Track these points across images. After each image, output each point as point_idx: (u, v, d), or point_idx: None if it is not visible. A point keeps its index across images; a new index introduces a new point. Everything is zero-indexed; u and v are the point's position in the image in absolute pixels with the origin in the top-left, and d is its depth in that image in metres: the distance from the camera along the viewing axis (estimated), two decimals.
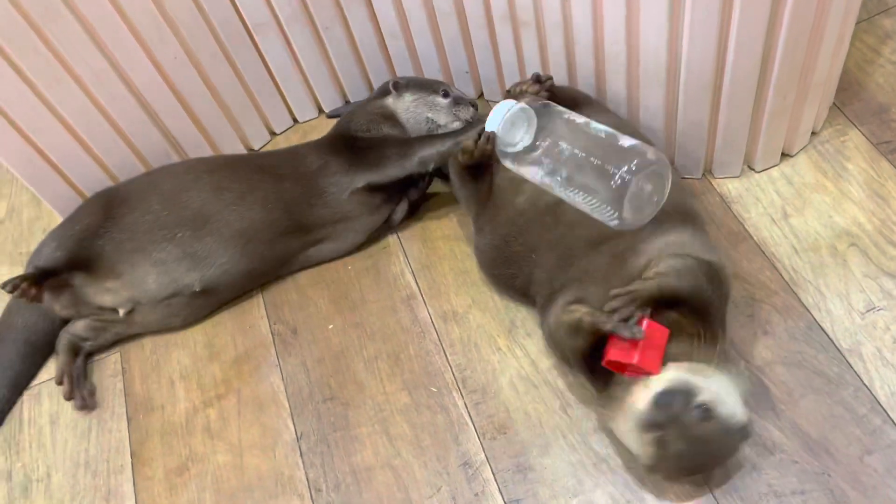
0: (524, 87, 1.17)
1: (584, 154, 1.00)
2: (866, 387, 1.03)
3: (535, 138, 1.05)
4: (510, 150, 1.07)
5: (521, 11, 1.21)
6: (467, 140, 1.12)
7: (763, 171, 1.26)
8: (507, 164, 1.09)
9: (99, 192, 1.28)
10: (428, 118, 1.31)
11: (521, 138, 1.06)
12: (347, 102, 1.53)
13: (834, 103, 1.29)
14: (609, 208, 0.97)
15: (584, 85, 1.24)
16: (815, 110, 1.21)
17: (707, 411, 0.90)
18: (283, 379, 1.21)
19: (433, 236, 1.33)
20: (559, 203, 1.06)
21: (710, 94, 1.13)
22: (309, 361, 1.22)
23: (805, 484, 0.97)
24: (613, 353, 0.93)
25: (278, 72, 1.43)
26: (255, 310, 1.30)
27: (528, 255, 1.10)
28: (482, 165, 1.16)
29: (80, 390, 1.23)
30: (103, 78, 1.23)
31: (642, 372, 0.93)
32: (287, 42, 1.39)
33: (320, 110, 1.54)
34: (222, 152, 1.45)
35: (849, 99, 1.30)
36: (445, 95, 1.31)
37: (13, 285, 1.14)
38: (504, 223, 1.13)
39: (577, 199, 1.01)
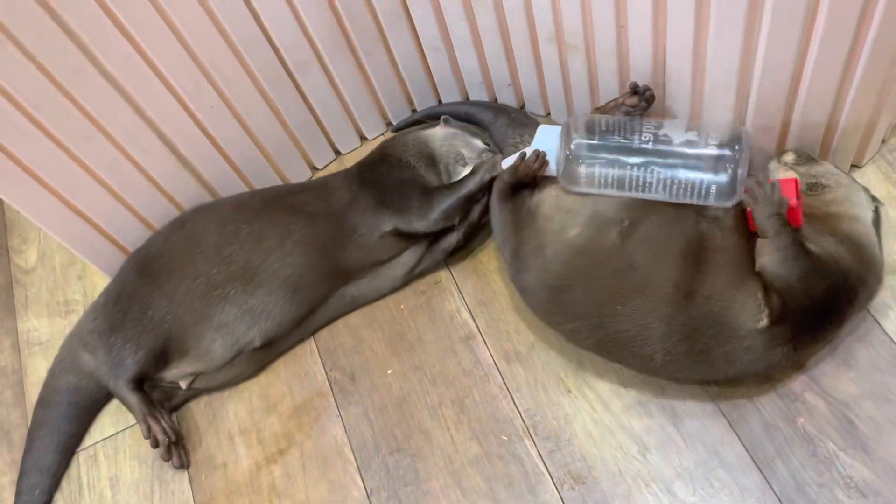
0: (622, 101, 1.12)
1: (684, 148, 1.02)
2: None
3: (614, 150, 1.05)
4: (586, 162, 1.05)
5: (570, 36, 1.14)
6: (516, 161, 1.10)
7: None
8: (575, 183, 1.06)
9: (137, 259, 1.23)
10: (460, 153, 1.28)
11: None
12: (414, 111, 1.47)
13: None
14: (725, 193, 1.01)
15: None
16: (889, 122, 1.15)
17: None
18: (345, 430, 1.18)
19: (486, 269, 1.28)
20: (626, 238, 1.02)
21: (780, 117, 1.07)
22: (371, 410, 1.19)
23: None
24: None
25: (320, 107, 1.37)
26: (309, 356, 1.27)
27: (602, 307, 1.02)
28: (524, 187, 1.12)
29: (178, 448, 1.18)
30: (134, 132, 1.17)
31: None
32: (328, 75, 1.32)
33: (362, 138, 1.48)
34: (256, 188, 1.39)
35: None
36: (486, 144, 1.29)
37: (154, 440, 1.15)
38: (554, 260, 1.06)
39: (679, 195, 1.03)
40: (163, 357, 1.16)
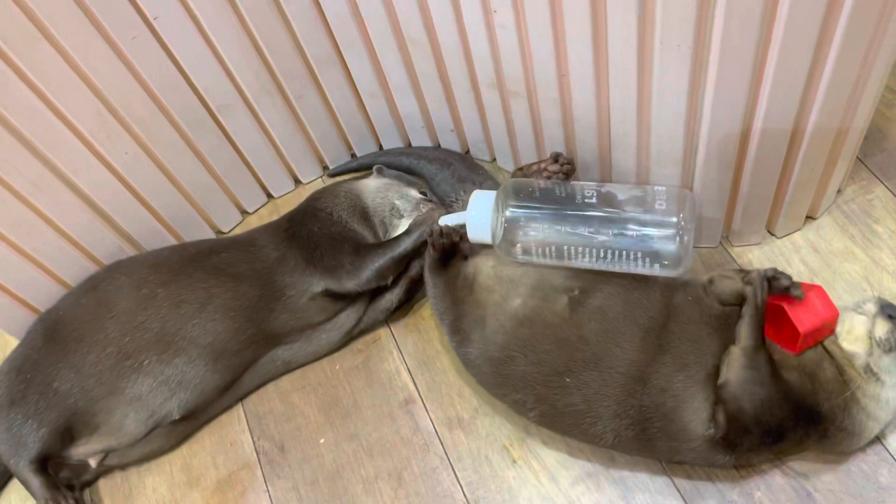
0: (544, 166, 1.06)
1: (623, 217, 0.95)
2: None
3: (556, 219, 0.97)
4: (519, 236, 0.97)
5: (511, 83, 1.08)
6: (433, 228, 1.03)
7: (785, 236, 1.15)
8: (511, 253, 0.98)
9: (45, 324, 1.11)
10: (394, 205, 1.20)
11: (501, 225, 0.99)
12: (353, 156, 1.40)
13: (857, 156, 1.18)
14: (673, 263, 0.93)
15: (586, 159, 1.11)
16: (844, 173, 1.10)
17: None
18: None
19: (428, 325, 1.20)
20: (576, 308, 0.95)
21: (732, 170, 1.01)
22: (301, 485, 1.10)
23: None
24: (804, 322, 0.88)
25: (248, 150, 1.28)
26: (236, 423, 1.17)
27: (549, 379, 0.95)
28: (452, 254, 1.05)
29: None
30: (42, 185, 1.08)
31: (829, 322, 0.89)
32: (256, 118, 1.24)
33: (297, 182, 1.39)
34: (185, 240, 1.29)
35: (871, 150, 1.19)
36: (423, 194, 1.21)
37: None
38: (497, 332, 0.98)
39: (623, 264, 0.95)
40: (69, 434, 1.05)
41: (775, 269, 0.91)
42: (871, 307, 0.89)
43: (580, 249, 0.95)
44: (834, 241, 1.13)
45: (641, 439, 0.94)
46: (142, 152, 1.15)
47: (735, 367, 0.88)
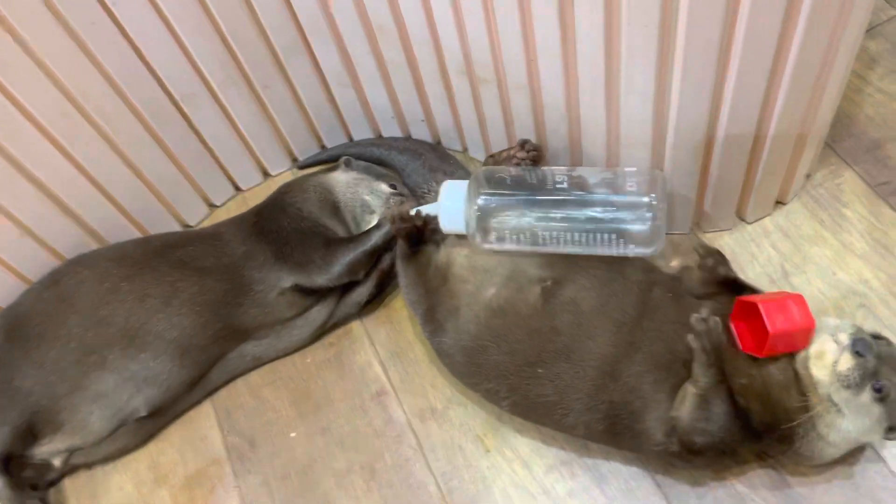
0: (513, 153, 1.05)
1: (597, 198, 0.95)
2: (893, 475, 0.94)
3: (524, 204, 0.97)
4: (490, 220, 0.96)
5: (480, 69, 1.07)
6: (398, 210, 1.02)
7: (755, 221, 1.15)
8: (486, 241, 0.97)
9: (5, 320, 1.08)
10: (364, 201, 1.19)
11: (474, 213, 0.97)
12: (323, 148, 1.37)
13: (825, 141, 1.19)
14: (646, 243, 0.93)
15: (557, 146, 1.11)
16: (813, 158, 1.11)
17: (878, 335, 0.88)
18: (243, 503, 1.07)
19: (401, 317, 1.18)
20: (549, 299, 0.94)
21: (701, 154, 1.01)
22: (272, 479, 1.08)
23: None
24: (776, 324, 0.84)
25: (214, 141, 1.25)
26: (204, 419, 1.15)
27: (521, 369, 0.94)
28: (420, 241, 1.04)
29: None
30: (3, 179, 1.04)
31: (802, 331, 0.86)
32: (222, 109, 1.21)
33: (265, 174, 1.37)
34: (150, 233, 1.27)
35: (840, 135, 1.20)
36: (392, 187, 1.19)
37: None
38: (470, 321, 0.97)
39: (597, 246, 0.94)
40: (31, 433, 1.02)
41: (716, 258, 0.94)
42: (844, 338, 0.85)
43: (554, 234, 0.94)
44: (804, 225, 1.14)
45: (611, 433, 0.93)
46: (104, 143, 1.12)
47: (687, 406, 0.87)
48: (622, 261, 0.96)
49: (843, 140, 1.20)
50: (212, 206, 1.35)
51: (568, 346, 0.92)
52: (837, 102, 1.07)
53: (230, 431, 1.13)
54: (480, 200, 0.96)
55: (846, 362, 0.83)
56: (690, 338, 0.86)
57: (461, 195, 0.98)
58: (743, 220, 1.16)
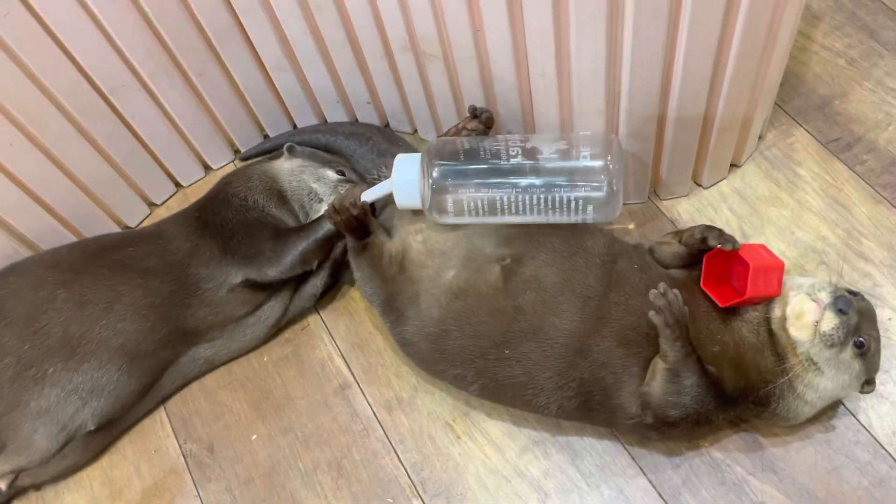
0: (462, 125, 1.02)
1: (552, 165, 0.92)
2: (865, 428, 0.94)
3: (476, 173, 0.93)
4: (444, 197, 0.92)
5: (425, 44, 1.03)
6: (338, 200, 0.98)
7: (712, 186, 1.14)
8: (444, 214, 0.94)
9: None
10: (311, 189, 1.14)
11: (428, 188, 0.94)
12: (266, 137, 1.31)
13: (775, 102, 1.18)
14: (604, 207, 0.91)
15: (508, 117, 1.07)
16: (764, 117, 1.10)
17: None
18: None
19: (359, 307, 1.14)
20: (510, 278, 0.91)
21: (655, 118, 0.99)
22: (234, 485, 1.03)
23: None
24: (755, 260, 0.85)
25: (149, 136, 1.19)
26: (159, 428, 1.09)
27: (487, 351, 0.91)
28: (365, 231, 1.00)
29: None
30: None
31: (777, 270, 0.87)
32: (154, 100, 1.15)
33: (206, 168, 1.31)
34: (86, 236, 1.19)
35: (788, 95, 1.20)
36: (340, 173, 1.15)
37: None
38: (432, 306, 0.94)
39: (555, 213, 0.92)
40: None
41: (705, 227, 0.89)
42: (825, 297, 0.85)
43: (512, 203, 0.91)
44: (759, 187, 1.13)
45: (584, 410, 0.91)
46: (28, 143, 1.05)
47: (657, 381, 0.86)
48: (582, 234, 0.94)
49: (791, 99, 1.20)
50: (151, 204, 1.28)
51: (534, 324, 0.90)
52: (786, 61, 1.06)
53: (187, 439, 1.07)
54: (435, 173, 0.92)
55: (830, 321, 0.83)
56: (652, 314, 0.84)
57: (414, 169, 0.94)
58: (699, 185, 1.15)
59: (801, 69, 1.22)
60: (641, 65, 0.90)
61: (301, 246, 1.05)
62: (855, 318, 0.83)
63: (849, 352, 0.83)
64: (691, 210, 1.13)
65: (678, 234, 0.94)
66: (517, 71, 0.99)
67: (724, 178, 1.14)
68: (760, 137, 1.16)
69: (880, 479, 0.90)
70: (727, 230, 1.08)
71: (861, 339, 0.83)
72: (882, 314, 1.00)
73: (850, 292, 0.87)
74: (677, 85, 0.93)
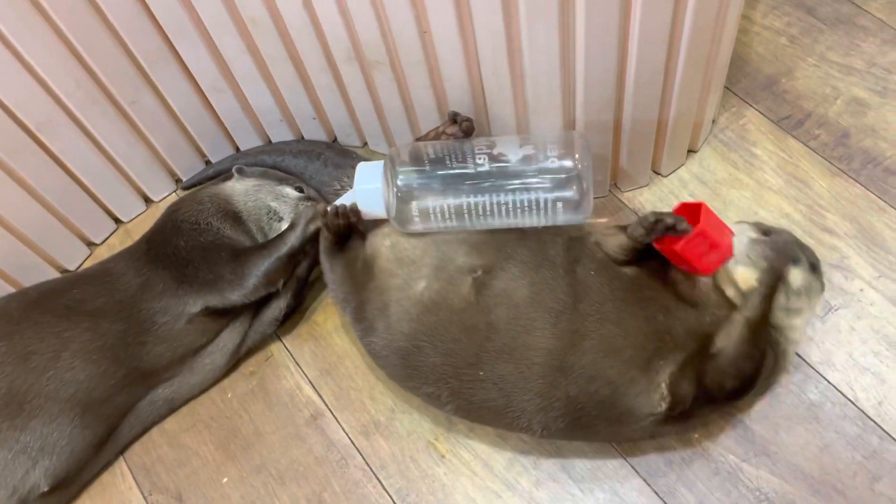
0: (442, 129, 0.97)
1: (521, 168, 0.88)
2: (851, 402, 0.93)
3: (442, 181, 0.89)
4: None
5: (370, 51, 0.99)
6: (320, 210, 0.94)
7: (671, 173, 1.13)
8: (409, 222, 0.90)
9: None
10: (270, 208, 1.08)
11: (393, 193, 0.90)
12: (208, 163, 1.25)
13: (724, 85, 1.18)
14: (575, 207, 0.88)
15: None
16: (716, 101, 1.09)
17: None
18: None
19: (324, 330, 1.09)
20: (482, 291, 0.86)
21: (613, 109, 0.97)
22: None
23: None
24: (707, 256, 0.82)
25: (82, 171, 1.12)
26: (120, 481, 1.01)
27: (461, 372, 0.86)
28: (350, 236, 0.96)
29: None
30: None
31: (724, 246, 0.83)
32: (86, 134, 1.08)
33: (147, 200, 1.24)
34: (25, 286, 1.11)
35: (735, 77, 1.20)
36: (299, 190, 1.10)
37: None
38: (402, 319, 0.89)
39: (525, 217, 0.89)
40: None
41: (654, 213, 0.84)
42: (752, 271, 0.85)
43: (481, 208, 0.88)
44: (718, 170, 1.13)
45: (576, 427, 0.87)
46: None
47: (735, 340, 0.82)
48: (545, 243, 0.90)
49: (739, 81, 1.20)
50: (91, 244, 1.21)
51: (507, 343, 0.85)
52: (733, 42, 1.06)
53: (152, 490, 1.00)
54: (399, 181, 0.88)
55: (796, 278, 0.85)
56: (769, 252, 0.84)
57: (378, 176, 0.90)
58: (658, 173, 1.13)
59: (744, 51, 1.23)
60: (596, 54, 0.88)
61: (264, 266, 0.99)
62: (773, 261, 0.85)
63: (797, 278, 0.85)
64: (653, 199, 1.12)
65: (620, 226, 0.90)
66: (468, 72, 0.96)
67: (682, 165, 1.14)
68: (714, 121, 1.16)
69: (872, 452, 0.89)
70: None
71: (793, 260, 0.85)
72: (852, 285, 1.00)
73: (765, 231, 0.88)
74: (632, 72, 0.92)
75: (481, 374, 0.85)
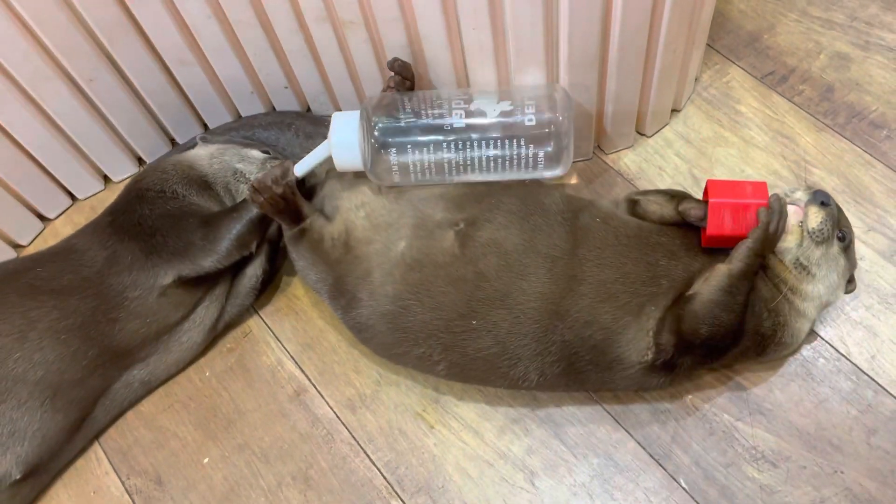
0: (389, 83, 0.94)
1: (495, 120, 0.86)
2: (844, 357, 0.92)
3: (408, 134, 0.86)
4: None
5: (342, 10, 0.95)
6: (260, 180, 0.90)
7: (655, 133, 1.11)
8: (387, 175, 0.87)
9: None
10: (236, 169, 1.05)
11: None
12: (174, 143, 1.20)
13: (706, 42, 1.16)
14: (555, 161, 0.86)
15: (442, 79, 1.00)
16: (699, 58, 1.07)
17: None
18: None
19: (304, 304, 1.05)
20: (466, 243, 0.84)
21: (597, 64, 0.94)
22: None
23: (822, 490, 0.85)
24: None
25: (37, 149, 1.06)
26: (96, 466, 0.97)
27: (452, 324, 0.84)
28: (296, 214, 0.92)
29: None
30: None
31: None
32: (39, 110, 1.02)
33: (106, 179, 1.18)
34: None
35: (717, 34, 1.18)
36: (266, 153, 1.06)
37: None
38: (385, 282, 0.86)
39: (506, 171, 0.87)
40: None
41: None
42: (801, 195, 0.83)
43: (459, 160, 0.85)
44: (703, 128, 1.10)
45: (570, 374, 0.85)
46: None
47: (712, 286, 0.80)
48: (537, 192, 0.88)
49: (721, 38, 1.18)
50: (44, 219, 1.15)
51: (500, 290, 0.83)
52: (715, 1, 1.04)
53: (130, 473, 0.96)
54: (377, 132, 0.84)
55: (815, 216, 0.82)
56: (762, 210, 0.80)
57: (354, 127, 0.86)
58: (643, 134, 1.11)
59: (725, 7, 1.20)
60: (580, 8, 0.85)
61: (235, 228, 0.95)
62: (836, 209, 0.83)
63: (835, 247, 0.83)
64: (638, 160, 1.09)
65: (673, 197, 0.88)
66: (447, 28, 0.92)
67: (666, 125, 1.11)
68: (697, 79, 1.13)
69: (867, 406, 0.88)
70: (678, 176, 1.07)
71: (842, 231, 0.83)
72: None
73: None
74: (617, 24, 0.89)
75: (474, 322, 0.83)
